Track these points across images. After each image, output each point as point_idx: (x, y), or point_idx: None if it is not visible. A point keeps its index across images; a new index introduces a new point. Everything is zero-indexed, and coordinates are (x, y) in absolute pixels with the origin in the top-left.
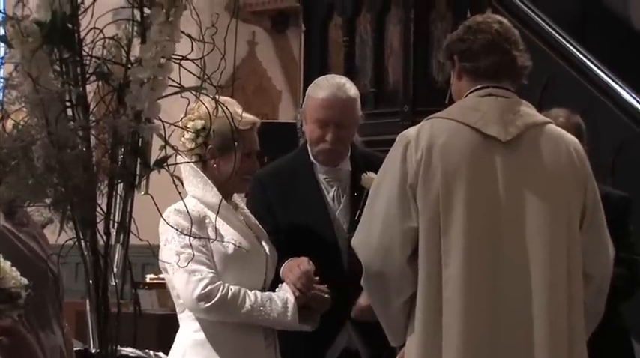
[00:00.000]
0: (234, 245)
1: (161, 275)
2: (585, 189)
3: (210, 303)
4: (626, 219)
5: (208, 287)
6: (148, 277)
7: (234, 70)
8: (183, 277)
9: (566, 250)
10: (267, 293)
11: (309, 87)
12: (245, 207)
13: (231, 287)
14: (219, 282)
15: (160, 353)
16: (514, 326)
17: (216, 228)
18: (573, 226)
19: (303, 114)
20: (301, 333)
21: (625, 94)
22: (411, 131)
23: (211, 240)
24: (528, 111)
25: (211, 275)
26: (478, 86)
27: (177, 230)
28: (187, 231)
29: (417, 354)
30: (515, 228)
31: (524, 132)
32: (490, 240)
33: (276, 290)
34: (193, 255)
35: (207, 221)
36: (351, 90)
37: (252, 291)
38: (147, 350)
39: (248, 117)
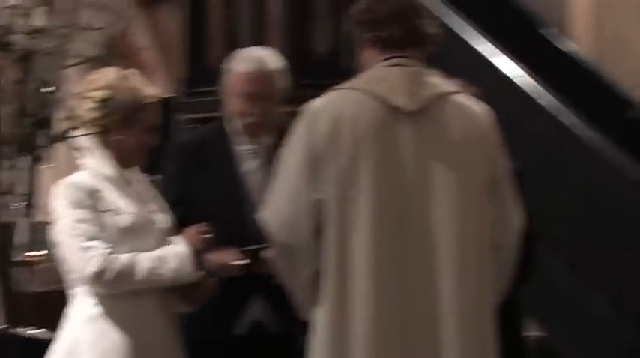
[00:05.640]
0: (128, 217)
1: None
2: (494, 158)
3: (105, 279)
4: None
5: (100, 264)
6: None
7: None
8: (76, 254)
9: (474, 220)
10: (158, 252)
11: (231, 60)
12: (144, 180)
13: (122, 257)
14: (111, 256)
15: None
16: (423, 296)
17: (127, 198)
18: (482, 195)
19: (224, 87)
20: (209, 305)
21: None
22: (317, 102)
23: (105, 212)
24: (436, 81)
25: (102, 250)
26: (384, 56)
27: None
28: (80, 205)
29: (325, 325)
30: (423, 198)
31: (431, 102)
32: (397, 210)
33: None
34: (87, 230)
35: (99, 194)
36: (274, 62)
37: (144, 255)
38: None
39: (153, 90)
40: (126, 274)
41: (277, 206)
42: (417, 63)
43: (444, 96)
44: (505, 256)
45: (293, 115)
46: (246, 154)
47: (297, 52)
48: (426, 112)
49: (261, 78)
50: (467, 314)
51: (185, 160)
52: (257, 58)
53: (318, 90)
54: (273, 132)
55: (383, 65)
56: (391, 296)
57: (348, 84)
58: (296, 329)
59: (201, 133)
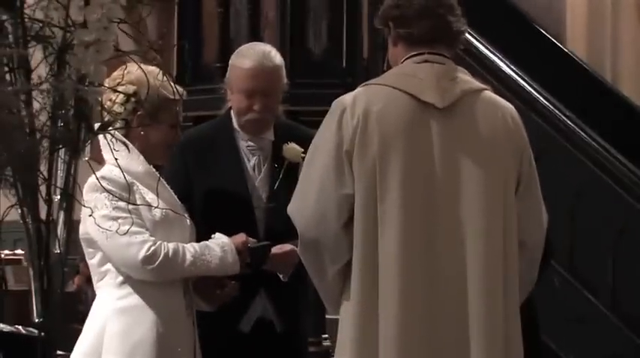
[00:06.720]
0: (161, 211)
1: (17, 251)
2: (521, 155)
3: (156, 264)
4: None
5: (152, 248)
6: (3, 253)
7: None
8: (121, 241)
9: (502, 217)
10: (202, 242)
11: (233, 56)
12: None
13: (168, 244)
14: (159, 242)
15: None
16: (450, 293)
17: (158, 193)
18: (509, 193)
19: (227, 83)
20: None
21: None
22: (347, 97)
23: (142, 206)
24: (464, 78)
25: (150, 236)
26: (414, 52)
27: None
28: (117, 196)
29: (353, 321)
30: (452, 194)
31: (460, 98)
32: (426, 206)
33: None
34: (130, 218)
35: (134, 188)
36: (277, 58)
37: (189, 244)
38: (16, 326)
39: (178, 87)
40: (174, 260)
41: (305, 201)
42: (446, 59)
43: (473, 93)
44: (530, 254)
45: (289, 113)
46: (248, 151)
47: (293, 50)
48: (455, 109)
49: (264, 74)
50: (494, 311)
51: (188, 156)
52: (260, 54)
53: (314, 89)
54: (273, 129)
55: (412, 61)
56: (420, 292)
57: (377, 79)
58: (301, 327)
59: (205, 129)
